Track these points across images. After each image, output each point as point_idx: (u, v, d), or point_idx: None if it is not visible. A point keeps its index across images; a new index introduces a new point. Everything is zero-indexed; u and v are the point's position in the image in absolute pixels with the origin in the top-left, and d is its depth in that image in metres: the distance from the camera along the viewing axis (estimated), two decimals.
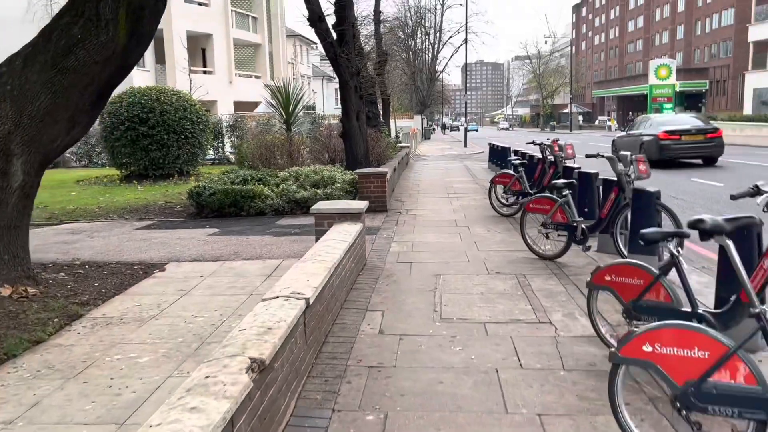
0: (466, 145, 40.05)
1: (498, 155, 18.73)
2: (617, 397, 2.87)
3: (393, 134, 27.83)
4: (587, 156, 8.07)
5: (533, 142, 10.83)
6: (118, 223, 10.66)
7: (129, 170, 17.13)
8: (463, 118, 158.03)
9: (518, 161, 10.23)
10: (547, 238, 7.05)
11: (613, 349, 2.78)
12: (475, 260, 7.12)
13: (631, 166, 6.26)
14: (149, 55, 29.79)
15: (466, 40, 42.58)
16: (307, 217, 10.66)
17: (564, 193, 6.79)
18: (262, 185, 11.47)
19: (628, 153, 6.49)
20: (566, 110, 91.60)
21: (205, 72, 32.86)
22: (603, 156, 7.02)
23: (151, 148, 16.50)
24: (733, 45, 59.75)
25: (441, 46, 60.64)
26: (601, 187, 7.28)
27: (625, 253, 6.26)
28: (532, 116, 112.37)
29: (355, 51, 13.55)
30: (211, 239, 8.82)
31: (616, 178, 6.51)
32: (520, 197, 10.01)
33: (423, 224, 9.76)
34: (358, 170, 11.11)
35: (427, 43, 60.81)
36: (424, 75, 58.56)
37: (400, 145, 25.75)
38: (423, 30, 59.83)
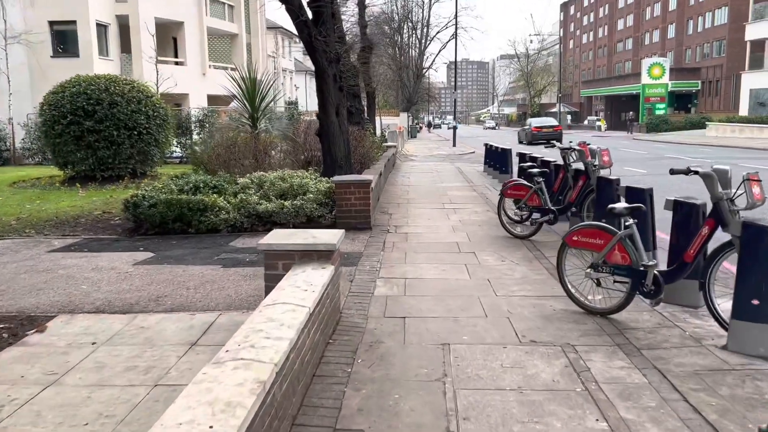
0: (455, 145, 38.01)
1: (495, 158, 16.69)
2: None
3: (378, 132, 25.68)
4: (545, 146, 7.97)
5: (553, 145, 8.77)
6: (32, 242, 8.44)
7: (74, 171, 14.83)
8: (449, 117, 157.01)
9: (538, 170, 8.14)
10: (599, 285, 4.98)
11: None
12: (496, 314, 5.03)
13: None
14: (113, 43, 27.40)
15: (456, 34, 40.54)
16: None
17: (627, 223, 4.72)
18: (216, 194, 9.30)
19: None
20: (554, 109, 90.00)
21: (177, 63, 30.50)
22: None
23: (98, 145, 14.22)
24: (726, 44, 58.33)
25: (428, 42, 58.57)
26: (701, 214, 5.02)
27: None
28: (519, 115, 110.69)
29: (334, 33, 11.40)
30: (136, 271, 6.65)
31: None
32: (539, 215, 7.94)
33: (417, 248, 7.65)
34: (335, 178, 8.98)
35: (414, 39, 58.76)
36: (410, 71, 56.49)
37: (386, 144, 23.62)
38: (410, 24, 57.80)
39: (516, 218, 8.57)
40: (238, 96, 11.71)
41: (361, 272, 6.45)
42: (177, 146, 21.87)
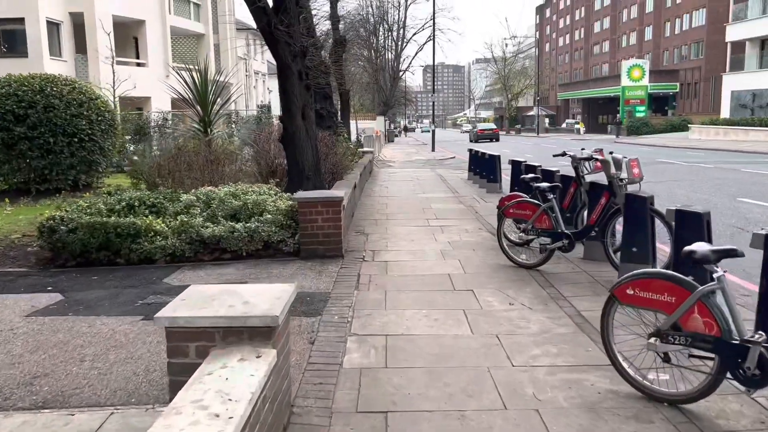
0: (433, 150, 36.58)
1: (482, 165, 15.21)
2: None
3: (354, 137, 24.03)
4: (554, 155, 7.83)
5: (564, 153, 7.26)
6: None
7: (6, 183, 13.01)
8: (425, 120, 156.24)
9: (548, 185, 6.62)
10: (666, 360, 3.44)
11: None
12: (518, 403, 3.47)
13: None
14: (67, 42, 25.44)
15: (433, 35, 39.16)
16: (218, 267, 6.90)
17: (716, 275, 3.19)
18: (155, 215, 7.64)
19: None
20: (531, 113, 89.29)
21: (138, 64, 28.60)
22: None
23: (31, 154, 12.41)
24: (704, 46, 57.80)
25: (404, 44, 57.20)
26: None
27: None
28: (496, 119, 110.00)
29: (300, 24, 9.81)
30: (26, 326, 4.97)
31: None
32: (550, 240, 6.42)
33: (400, 284, 6.08)
34: (298, 195, 7.34)
35: (390, 41, 57.34)
36: (387, 74, 55.05)
37: (362, 150, 22.04)
38: (386, 26, 56.41)
39: (518, 240, 7.05)
40: (187, 98, 10.00)
41: (327, 326, 4.85)
42: (132, 153, 20.05)
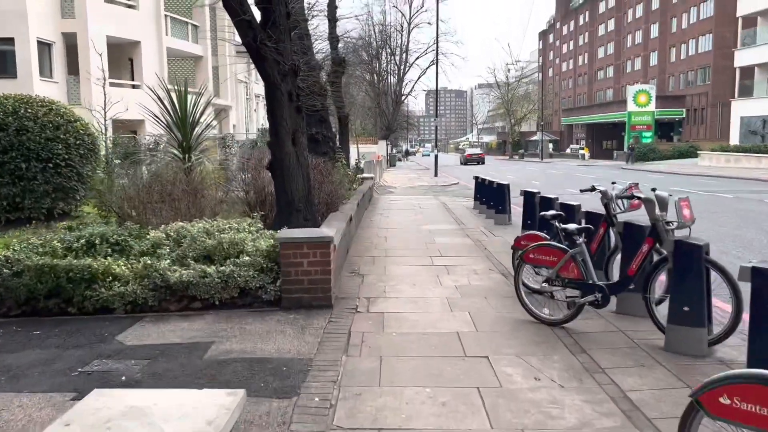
0: (436, 175, 35.65)
1: (489, 194, 14.20)
2: None
3: (353, 162, 23.04)
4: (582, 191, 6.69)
5: (593, 188, 6.22)
6: None
7: None
8: (428, 144, 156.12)
9: (576, 227, 5.57)
10: None
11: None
12: None
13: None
14: (58, 63, 24.66)
15: (437, 59, 38.49)
16: (185, 319, 5.85)
17: None
18: (118, 254, 6.62)
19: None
20: (533, 138, 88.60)
21: (133, 86, 27.79)
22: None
23: (1, 180, 11.45)
24: (711, 72, 57.19)
25: (407, 68, 56.73)
26: None
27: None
28: (499, 143, 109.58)
29: (290, 40, 8.88)
30: None
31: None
32: (580, 292, 5.37)
33: (399, 348, 5.01)
34: (281, 234, 6.29)
35: (392, 65, 56.86)
36: (389, 98, 54.44)
37: (361, 176, 21.07)
38: (389, 50, 56.01)
39: (536, 287, 6.01)
40: (162, 119, 9.02)
41: (304, 414, 3.77)
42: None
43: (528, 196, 9.89)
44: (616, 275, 5.99)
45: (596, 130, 75.14)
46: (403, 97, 56.66)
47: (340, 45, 16.41)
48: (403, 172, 45.25)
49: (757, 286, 3.91)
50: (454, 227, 12.48)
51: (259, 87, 51.74)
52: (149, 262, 6.18)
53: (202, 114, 9.09)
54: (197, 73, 33.12)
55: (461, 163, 61.77)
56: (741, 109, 44.16)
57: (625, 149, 57.76)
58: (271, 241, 6.44)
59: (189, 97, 10.04)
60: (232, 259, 6.30)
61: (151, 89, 10.03)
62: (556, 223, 6.38)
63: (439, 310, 6.15)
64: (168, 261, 6.30)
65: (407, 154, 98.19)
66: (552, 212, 6.58)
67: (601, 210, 6.27)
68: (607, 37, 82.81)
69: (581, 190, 6.44)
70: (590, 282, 5.31)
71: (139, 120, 26.58)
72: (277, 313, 5.94)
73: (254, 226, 7.13)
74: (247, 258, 6.26)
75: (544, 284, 5.62)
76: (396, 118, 56.87)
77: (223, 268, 6.15)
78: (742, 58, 44.05)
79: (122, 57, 27.65)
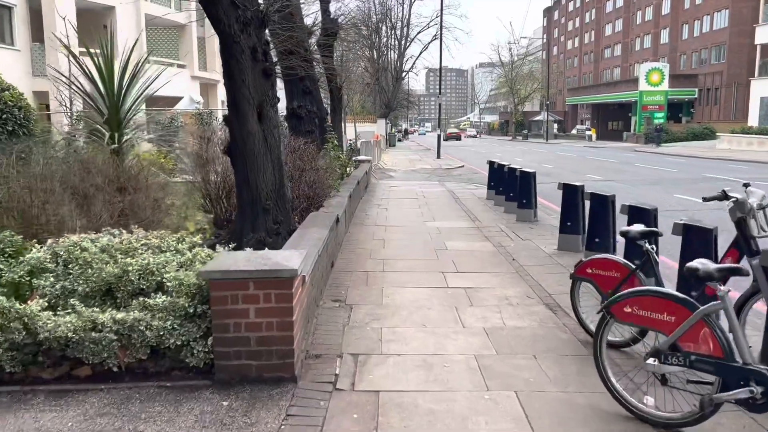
0: (439, 156, 33.26)
1: (507, 183, 11.90)
2: None
3: (346, 144, 20.57)
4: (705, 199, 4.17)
5: (724, 195, 3.87)
6: None
7: None
8: (428, 123, 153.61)
9: (717, 267, 3.20)
10: None
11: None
12: None
13: None
14: (21, 29, 22.12)
15: (441, 32, 35.89)
16: (54, 401, 3.56)
17: None
18: None
19: None
20: (537, 118, 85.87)
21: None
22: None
23: None
24: (727, 50, 54.45)
25: (408, 43, 54.00)
26: None
27: None
28: (501, 123, 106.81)
29: None
30: None
31: None
32: (721, 380, 3.07)
33: None
34: (213, 264, 3.91)
35: (393, 39, 54.12)
36: (389, 74, 51.80)
37: (357, 158, 18.70)
38: (389, 24, 53.26)
39: (619, 339, 3.73)
40: (78, 89, 6.62)
41: None
42: None
43: (569, 192, 7.64)
44: (751, 338, 3.71)
45: (602, 110, 72.50)
46: (404, 74, 54.04)
47: (330, 5, 13.93)
48: (403, 152, 42.84)
49: None
50: (468, 225, 10.18)
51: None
52: (7, 304, 3.87)
53: (132, 78, 6.65)
54: (181, 44, 30.54)
55: (443, 140, 68.59)
56: (761, 88, 41.67)
57: (634, 130, 55.23)
58: (197, 281, 4.09)
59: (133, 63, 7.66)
60: (141, 299, 3.99)
61: (67, 48, 7.54)
62: (647, 246, 4.10)
63: (468, 386, 3.85)
64: (41, 301, 4.00)
65: (406, 133, 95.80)
66: (640, 228, 4.26)
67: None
68: (615, 14, 79.68)
69: (705, 199, 4.09)
70: (738, 364, 3.02)
71: None
72: (204, 394, 3.65)
73: (187, 241, 4.78)
74: (163, 298, 3.95)
75: (650, 360, 3.31)
76: (396, 96, 54.30)
77: (122, 314, 3.86)
78: (764, 34, 41.41)
79: (95, 24, 25.04)
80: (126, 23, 25.60)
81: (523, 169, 10.68)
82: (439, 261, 7.43)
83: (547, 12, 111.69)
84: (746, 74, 50.12)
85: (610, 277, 4.39)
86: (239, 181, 6.82)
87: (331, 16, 13.78)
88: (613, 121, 71.14)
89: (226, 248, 6.64)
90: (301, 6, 13.05)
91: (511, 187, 11.38)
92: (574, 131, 74.84)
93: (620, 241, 5.80)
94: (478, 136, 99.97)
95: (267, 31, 8.81)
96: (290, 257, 3.88)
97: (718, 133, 39.21)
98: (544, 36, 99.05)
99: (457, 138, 79.29)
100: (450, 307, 5.50)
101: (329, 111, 15.48)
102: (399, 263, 7.28)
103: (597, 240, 6.76)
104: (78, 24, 21.10)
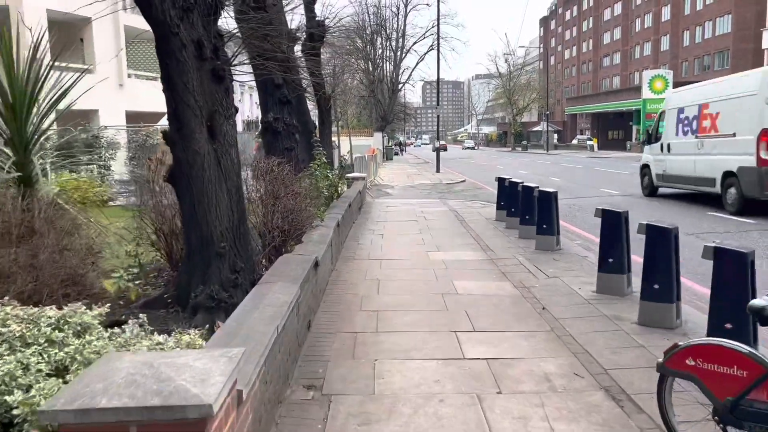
0: (438, 170, 31.72)
1: (518, 201, 10.33)
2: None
3: (337, 159, 18.95)
4: None
5: None
6: None
7: None
8: (426, 136, 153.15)
9: None
10: None
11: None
12: None
13: None
14: None
15: (438, 43, 34.52)
16: None
17: None
18: None
19: None
20: (536, 128, 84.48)
21: (83, 71, 23.72)
22: None
23: None
24: (730, 55, 53.22)
25: (404, 54, 52.75)
26: None
27: None
28: (499, 134, 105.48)
29: None
30: None
31: None
32: None
33: None
34: (61, 407, 2.27)
35: (388, 51, 52.85)
36: (385, 85, 50.44)
37: (351, 175, 17.12)
38: (384, 34, 52.02)
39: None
40: None
41: None
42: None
43: (611, 219, 6.05)
44: None
45: (602, 119, 71.12)
46: (400, 85, 52.71)
47: (315, 6, 12.33)
48: (400, 166, 41.30)
49: None
50: (479, 257, 8.56)
51: (240, 75, 47.72)
52: None
53: (40, 85, 5.05)
54: None
55: (432, 151, 77.54)
56: None
57: (637, 139, 53.74)
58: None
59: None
60: None
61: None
62: None
63: None
64: None
65: (400, 145, 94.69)
66: None
67: None
68: (614, 22, 78.64)
69: None
70: None
71: (91, 110, 22.75)
72: None
73: (73, 322, 3.13)
74: None
75: None
76: (392, 109, 52.95)
77: None
78: None
79: (71, 37, 23.59)
80: (103, 35, 24.18)
81: (541, 189, 9.07)
82: (448, 312, 5.80)
83: (544, 21, 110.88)
84: None
85: (728, 376, 2.79)
86: (185, 217, 5.23)
87: (317, 19, 12.25)
88: (613, 130, 69.75)
89: (170, 311, 5.05)
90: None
91: (528, 208, 9.77)
92: (574, 141, 73.43)
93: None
94: (476, 147, 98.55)
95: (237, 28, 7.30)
96: (208, 375, 2.25)
97: None
98: (541, 46, 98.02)
99: (444, 149, 75.98)
100: (470, 398, 3.87)
101: (317, 124, 13.91)
102: (397, 317, 5.65)
103: (657, 287, 5.14)
104: (54, 37, 19.57)
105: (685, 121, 14.88)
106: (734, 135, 12.58)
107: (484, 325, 5.38)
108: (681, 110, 15.21)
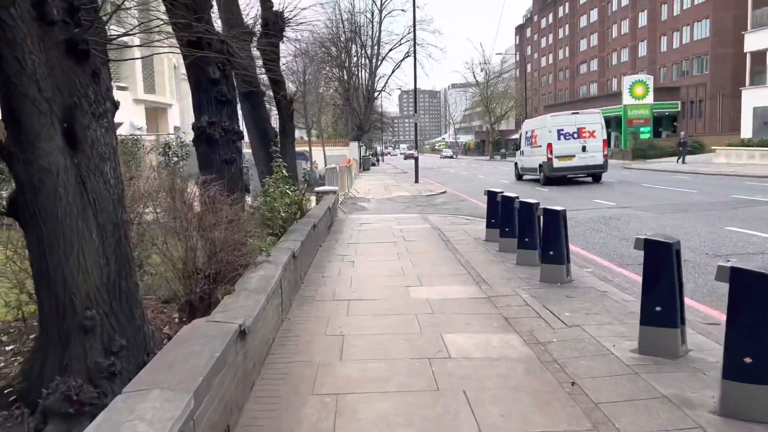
0: (417, 180, 30.08)
1: (513, 220, 8.65)
2: None
3: (301, 172, 17.08)
4: None
5: None
6: None
7: None
8: (403, 145, 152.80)
9: None
10: None
11: None
12: None
13: None
14: None
15: (414, 49, 32.98)
16: None
17: None
18: None
19: None
20: (514, 136, 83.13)
21: None
22: None
23: None
24: (709, 60, 52.55)
25: (380, 61, 51.21)
26: None
27: None
28: (477, 143, 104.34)
29: None
30: None
31: None
32: None
33: None
34: None
35: (364, 59, 51.30)
36: (360, 93, 48.85)
37: (320, 189, 15.34)
38: (359, 42, 50.50)
39: None
40: None
41: None
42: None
43: (659, 252, 4.39)
44: None
45: None
46: (376, 93, 51.12)
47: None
48: (378, 177, 39.56)
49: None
50: (472, 293, 6.82)
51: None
52: None
53: None
54: (121, 65, 27.07)
55: (403, 159, 73.92)
56: (753, 98, 39.32)
57: (620, 146, 52.53)
58: None
59: None
60: None
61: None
62: None
63: None
64: None
65: (375, 155, 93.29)
66: None
67: None
68: (590, 29, 78.07)
69: None
70: None
71: None
72: None
73: None
74: None
75: None
76: (369, 117, 51.32)
77: None
78: (754, 41, 39.20)
79: None
80: None
81: (547, 207, 7.36)
82: (439, 394, 4.04)
83: (519, 30, 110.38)
84: (731, 85, 48.07)
85: None
86: (34, 270, 3.40)
87: (274, 9, 10.48)
88: None
89: (14, 414, 3.14)
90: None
91: (527, 229, 8.07)
92: None
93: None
94: (454, 156, 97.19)
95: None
96: None
97: (713, 147, 36.59)
98: (517, 54, 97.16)
99: (414, 157, 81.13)
100: None
101: (278, 131, 12.09)
102: (364, 406, 3.87)
103: (658, 309, 3.44)
104: None
105: (527, 138, 26.69)
106: (540, 146, 24.32)
107: (494, 419, 3.63)
108: (526, 132, 27.27)
